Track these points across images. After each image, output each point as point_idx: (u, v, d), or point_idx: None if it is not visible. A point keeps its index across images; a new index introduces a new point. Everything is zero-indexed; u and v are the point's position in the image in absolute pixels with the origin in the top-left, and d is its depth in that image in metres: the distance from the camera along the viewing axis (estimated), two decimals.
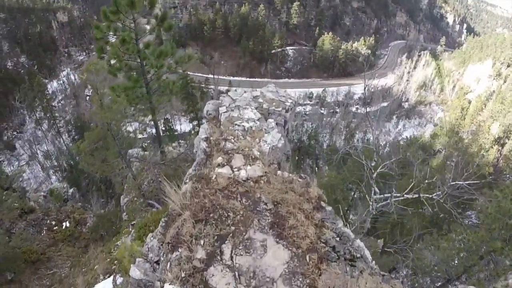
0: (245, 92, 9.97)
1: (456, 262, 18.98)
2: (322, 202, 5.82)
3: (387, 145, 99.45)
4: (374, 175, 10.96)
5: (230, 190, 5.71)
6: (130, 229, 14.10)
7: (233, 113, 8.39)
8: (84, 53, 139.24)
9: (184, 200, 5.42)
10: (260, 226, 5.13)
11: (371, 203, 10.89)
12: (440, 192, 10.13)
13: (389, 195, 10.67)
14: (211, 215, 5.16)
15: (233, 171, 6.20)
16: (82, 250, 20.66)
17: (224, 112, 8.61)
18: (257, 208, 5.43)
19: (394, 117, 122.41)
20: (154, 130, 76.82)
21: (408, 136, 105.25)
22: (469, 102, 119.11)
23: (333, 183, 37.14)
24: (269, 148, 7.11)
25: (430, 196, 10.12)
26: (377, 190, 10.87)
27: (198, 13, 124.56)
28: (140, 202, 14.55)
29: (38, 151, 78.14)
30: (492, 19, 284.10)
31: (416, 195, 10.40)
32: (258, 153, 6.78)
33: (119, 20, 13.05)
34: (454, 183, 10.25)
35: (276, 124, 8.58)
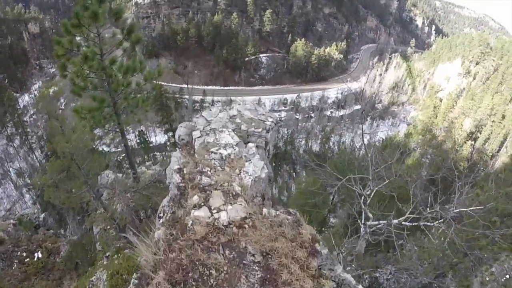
0: (220, 111, 9.11)
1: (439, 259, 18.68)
2: (316, 245, 5.05)
3: (362, 148, 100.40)
4: (368, 201, 10.27)
5: (210, 240, 4.84)
6: (105, 262, 13.01)
7: (209, 138, 7.54)
8: (56, 66, 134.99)
9: (157, 255, 4.53)
10: (248, 284, 4.29)
11: (363, 228, 10.15)
12: (442, 220, 9.48)
13: (385, 221, 9.96)
14: (190, 274, 4.28)
15: (211, 213, 5.34)
16: (57, 283, 19.09)
17: (198, 137, 7.73)
18: (244, 261, 4.59)
19: (368, 118, 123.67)
20: (129, 143, 74.97)
21: (384, 137, 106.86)
22: (441, 100, 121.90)
23: (312, 189, 37.06)
24: (252, 180, 6.28)
25: (432, 224, 9.44)
26: (370, 215, 10.18)
27: (171, 23, 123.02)
28: (113, 235, 13.35)
29: (11, 169, 75.21)
30: (459, 20, 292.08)
31: (416, 223, 9.73)
32: (240, 188, 5.94)
33: (82, 34, 11.98)
34: (457, 210, 9.61)
35: (257, 146, 7.79)
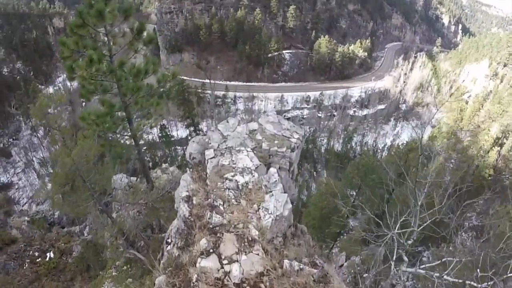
0: (239, 124, 8.08)
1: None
2: None
3: (385, 148, 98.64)
4: (406, 247, 9.00)
5: None
6: (114, 272, 12.34)
7: (224, 159, 6.52)
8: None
9: None
10: None
11: (395, 271, 8.88)
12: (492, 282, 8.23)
13: (423, 271, 8.66)
14: None
15: (221, 265, 4.43)
16: (67, 284, 18.66)
17: (211, 158, 6.72)
18: None
19: (392, 119, 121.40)
20: (151, 137, 74.93)
21: (407, 139, 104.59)
22: (466, 103, 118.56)
23: (332, 191, 36.45)
24: (272, 220, 5.29)
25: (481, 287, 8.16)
26: (406, 259, 8.92)
27: (194, 18, 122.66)
28: (120, 250, 12.48)
29: (34, 159, 77.11)
30: (487, 19, 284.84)
31: (460, 280, 8.49)
32: (257, 233, 4.96)
33: (89, 34, 11.03)
34: None
35: (280, 168, 6.81)
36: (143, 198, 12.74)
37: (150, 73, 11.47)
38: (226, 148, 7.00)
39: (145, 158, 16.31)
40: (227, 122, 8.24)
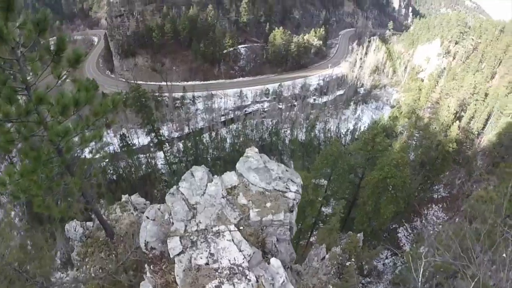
0: (210, 180, 5.46)
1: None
2: None
3: (348, 133, 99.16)
4: None
5: None
6: None
7: (198, 255, 4.01)
8: None
9: None
10: None
11: None
12: None
13: None
14: None
15: None
16: None
17: (178, 255, 4.24)
18: None
19: (352, 103, 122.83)
20: (112, 148, 70.76)
21: (368, 121, 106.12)
22: (422, 81, 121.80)
23: (304, 184, 35.56)
24: None
25: None
26: None
27: (145, 20, 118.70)
28: None
29: None
30: (435, 1, 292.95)
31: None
32: None
33: None
34: None
35: (278, 240, 4.75)
36: (103, 262, 10.02)
37: (83, 104, 8.27)
38: (197, 231, 4.64)
39: (98, 206, 12.64)
40: (192, 176, 5.64)
